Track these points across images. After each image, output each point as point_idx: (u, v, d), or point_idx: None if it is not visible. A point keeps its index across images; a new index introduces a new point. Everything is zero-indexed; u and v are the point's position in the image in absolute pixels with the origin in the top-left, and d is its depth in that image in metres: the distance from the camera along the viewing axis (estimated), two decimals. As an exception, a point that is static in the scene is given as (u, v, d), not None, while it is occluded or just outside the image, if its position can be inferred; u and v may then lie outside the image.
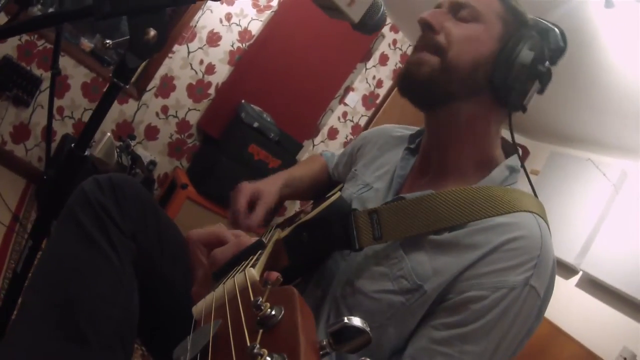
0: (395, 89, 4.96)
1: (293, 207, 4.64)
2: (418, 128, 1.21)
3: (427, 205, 0.91)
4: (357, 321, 0.39)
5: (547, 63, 0.97)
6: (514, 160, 1.00)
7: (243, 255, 0.71)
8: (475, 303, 0.81)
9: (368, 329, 0.39)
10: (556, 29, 0.99)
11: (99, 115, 1.01)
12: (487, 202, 0.89)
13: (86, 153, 1.04)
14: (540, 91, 0.99)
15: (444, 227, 0.89)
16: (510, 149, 1.05)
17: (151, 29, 0.90)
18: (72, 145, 1.02)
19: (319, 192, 1.43)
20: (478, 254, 0.84)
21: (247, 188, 1.19)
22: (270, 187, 1.23)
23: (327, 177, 1.47)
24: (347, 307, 0.93)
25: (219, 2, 3.83)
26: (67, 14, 0.96)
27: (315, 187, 1.42)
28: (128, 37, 0.92)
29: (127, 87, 0.99)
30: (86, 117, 3.63)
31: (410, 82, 1.00)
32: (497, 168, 0.98)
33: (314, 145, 4.82)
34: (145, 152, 3.93)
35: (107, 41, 1.04)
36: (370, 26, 0.99)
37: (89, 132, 1.03)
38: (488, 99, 0.98)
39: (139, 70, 3.25)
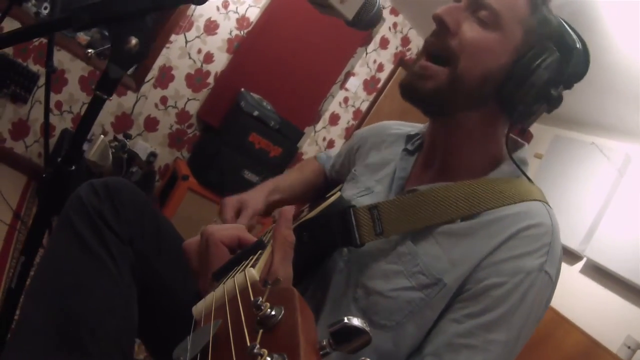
0: (397, 72, 4.92)
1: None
2: (416, 126, 1.20)
3: (437, 196, 0.92)
4: (357, 321, 0.40)
5: (560, 88, 0.91)
6: (521, 153, 1.00)
7: (243, 255, 0.71)
8: (495, 289, 0.82)
9: (368, 329, 0.39)
10: (581, 49, 0.92)
11: (84, 129, 1.00)
12: (499, 192, 0.91)
13: (73, 167, 1.02)
14: (548, 111, 0.95)
15: (456, 217, 0.89)
16: (516, 142, 1.04)
17: (132, 37, 0.88)
18: (59, 160, 1.00)
19: (316, 195, 1.42)
20: (496, 242, 0.86)
21: (231, 201, 1.19)
22: (254, 196, 1.23)
23: (322, 180, 1.46)
24: (361, 309, 0.93)
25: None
26: (46, 25, 0.95)
27: (309, 190, 1.42)
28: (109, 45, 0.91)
29: (111, 99, 0.98)
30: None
31: (413, 95, 0.96)
32: (505, 162, 0.98)
33: (315, 132, 4.80)
34: (146, 144, 3.92)
35: (89, 50, 1.02)
36: (365, 23, 0.95)
37: (76, 145, 1.01)
38: (496, 108, 0.94)
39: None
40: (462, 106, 0.94)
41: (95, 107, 0.98)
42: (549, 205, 0.93)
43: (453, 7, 0.94)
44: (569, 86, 0.94)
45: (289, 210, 0.76)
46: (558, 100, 0.91)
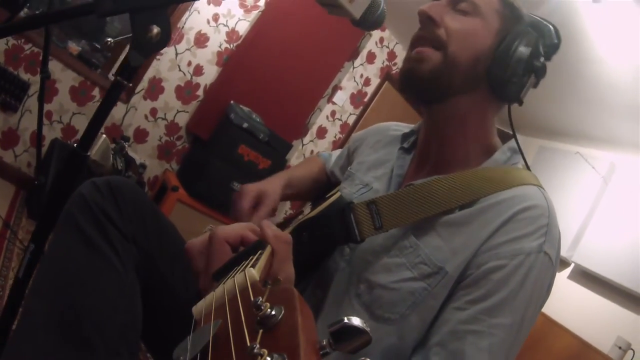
0: (383, 86, 4.98)
1: (284, 207, 4.63)
2: (412, 126, 1.22)
3: (434, 188, 0.93)
4: (357, 321, 0.40)
5: (542, 59, 0.99)
6: (512, 143, 1.03)
7: (243, 255, 0.70)
8: (496, 272, 0.83)
9: (368, 329, 0.39)
10: (550, 26, 1.01)
11: (102, 114, 1.01)
12: (494, 179, 0.93)
13: (88, 154, 1.03)
14: (535, 85, 1.02)
15: (453, 206, 0.91)
16: (504, 136, 1.07)
17: (154, 26, 0.89)
18: (75, 145, 1.01)
19: (319, 193, 1.43)
20: (493, 226, 0.87)
21: (250, 189, 1.17)
22: (273, 187, 1.22)
23: (325, 178, 1.47)
24: (364, 304, 0.93)
25: (205, 3, 3.82)
26: (67, 11, 0.95)
27: (315, 187, 1.42)
28: (130, 34, 0.92)
29: (130, 85, 0.99)
30: (75, 122, 3.61)
31: (413, 79, 1.00)
32: (498, 150, 1.01)
33: (303, 145, 4.82)
34: (135, 155, 3.89)
35: (109, 39, 1.03)
36: (371, 22, 0.99)
37: (92, 131, 1.02)
38: (486, 91, 1.00)
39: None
40: (458, 88, 0.99)
41: (114, 92, 0.99)
42: (544, 189, 0.95)
43: (435, 4, 1.01)
44: (548, 58, 1.01)
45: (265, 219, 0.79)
46: (543, 70, 0.99)
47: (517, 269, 0.83)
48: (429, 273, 0.88)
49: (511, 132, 1.05)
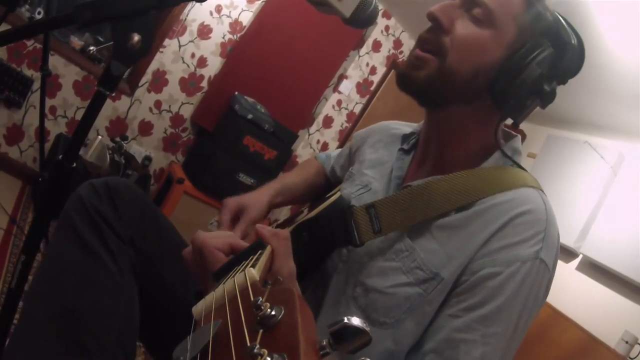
0: (390, 75, 4.94)
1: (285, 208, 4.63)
2: (413, 125, 1.20)
3: (431, 190, 0.91)
4: (357, 321, 0.40)
5: (554, 83, 0.91)
6: (515, 143, 1.00)
7: (243, 256, 0.70)
8: (491, 280, 0.82)
9: (368, 329, 0.39)
10: (576, 43, 0.92)
11: (85, 125, 0.99)
12: (491, 180, 0.90)
13: (74, 164, 1.02)
14: (542, 107, 0.95)
15: (450, 209, 0.89)
16: (509, 134, 1.04)
17: (135, 34, 0.88)
18: (60, 156, 1.00)
19: (317, 195, 1.42)
20: (489, 231, 0.85)
21: (231, 203, 1.16)
22: (256, 200, 1.20)
23: (323, 180, 1.46)
24: (360, 307, 0.93)
25: (208, -5, 3.80)
26: (48, 22, 0.95)
27: (311, 191, 1.42)
28: (112, 42, 0.91)
29: (114, 94, 0.98)
30: (79, 116, 3.62)
31: (407, 83, 0.97)
32: (498, 151, 0.98)
33: (309, 135, 4.81)
34: (140, 148, 3.91)
35: (91, 48, 1.03)
36: (362, 20, 0.96)
37: (77, 142, 1.01)
38: (488, 102, 0.94)
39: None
40: (454, 98, 0.95)
41: (97, 103, 0.98)
42: (543, 192, 0.92)
43: (448, 5, 0.95)
44: (562, 81, 0.94)
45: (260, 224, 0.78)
46: (551, 96, 0.91)
47: (513, 277, 0.81)
48: (425, 279, 0.87)
49: (516, 133, 1.03)
